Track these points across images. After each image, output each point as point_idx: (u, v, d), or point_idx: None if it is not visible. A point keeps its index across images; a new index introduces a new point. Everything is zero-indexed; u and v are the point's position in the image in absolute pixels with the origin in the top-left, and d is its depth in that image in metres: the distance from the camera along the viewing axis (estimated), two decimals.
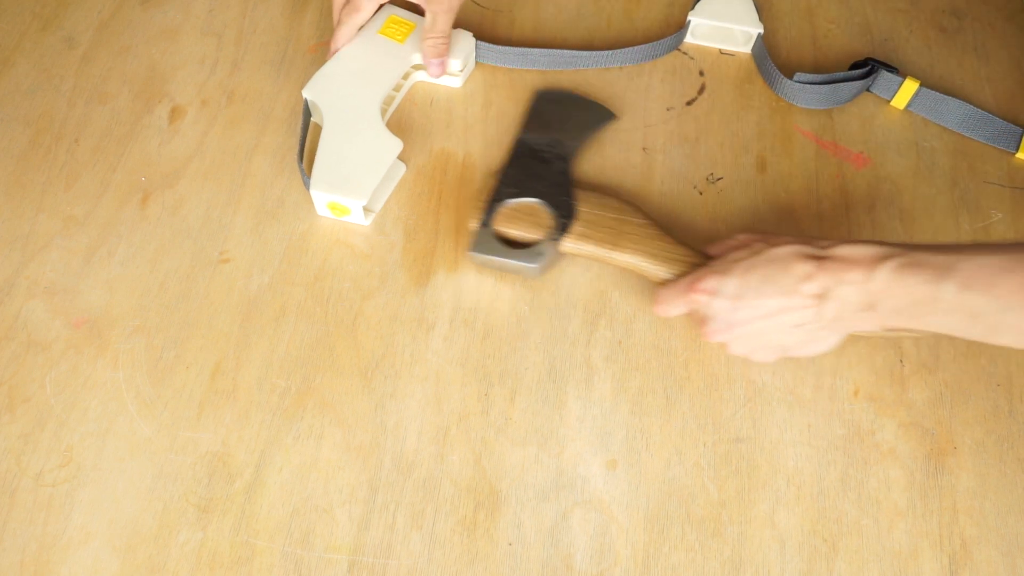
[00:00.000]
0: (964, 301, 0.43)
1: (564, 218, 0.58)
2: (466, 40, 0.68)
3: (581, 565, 0.50)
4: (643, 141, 0.67)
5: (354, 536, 0.50)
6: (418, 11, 0.67)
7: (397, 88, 0.67)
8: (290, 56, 0.70)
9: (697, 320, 0.54)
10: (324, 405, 0.54)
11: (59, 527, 0.49)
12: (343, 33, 0.66)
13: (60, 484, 0.51)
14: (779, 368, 0.56)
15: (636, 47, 0.70)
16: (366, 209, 0.60)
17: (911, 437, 0.54)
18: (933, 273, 0.44)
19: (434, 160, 0.65)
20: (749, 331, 0.51)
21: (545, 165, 0.62)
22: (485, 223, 0.59)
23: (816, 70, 0.71)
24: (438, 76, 0.67)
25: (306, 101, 0.64)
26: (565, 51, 0.69)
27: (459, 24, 0.70)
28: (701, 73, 0.71)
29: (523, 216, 0.59)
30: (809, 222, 0.63)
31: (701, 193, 0.64)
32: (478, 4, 0.74)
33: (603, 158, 0.66)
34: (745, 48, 0.72)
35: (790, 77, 0.68)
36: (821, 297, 0.48)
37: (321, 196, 0.59)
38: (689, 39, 0.73)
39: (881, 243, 0.47)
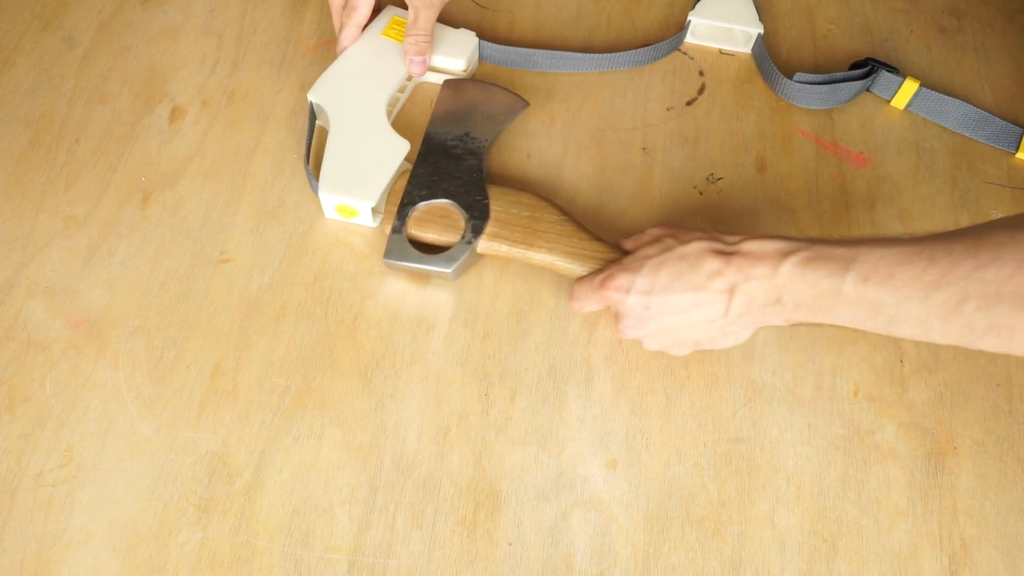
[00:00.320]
0: (864, 293, 0.44)
1: (477, 219, 0.58)
2: (469, 40, 0.68)
3: (581, 565, 0.50)
4: (643, 141, 0.67)
5: (354, 536, 0.50)
6: None
7: (402, 89, 0.67)
8: (290, 56, 0.70)
9: (613, 317, 0.55)
10: (324, 405, 0.54)
11: (59, 527, 0.49)
12: (346, 34, 0.66)
13: (60, 484, 0.51)
14: (779, 368, 0.56)
15: (637, 50, 0.70)
16: (374, 210, 0.60)
17: (911, 437, 0.54)
18: (835, 266, 0.45)
19: None
20: (661, 327, 0.51)
21: (456, 162, 0.60)
22: (397, 229, 0.58)
23: (816, 70, 0.71)
24: (420, 74, 0.67)
25: (311, 104, 0.64)
26: (567, 53, 0.69)
27: (459, 24, 0.70)
28: (701, 73, 0.71)
29: (436, 219, 0.58)
30: (809, 222, 0.63)
31: (701, 193, 0.64)
32: (478, 4, 0.74)
33: (603, 158, 0.66)
34: (745, 48, 0.72)
35: (790, 77, 0.68)
36: (730, 292, 0.48)
37: (330, 199, 0.59)
38: (689, 39, 0.73)
39: (787, 238, 0.48)
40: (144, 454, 0.52)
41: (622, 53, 0.69)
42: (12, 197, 0.61)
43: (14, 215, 0.61)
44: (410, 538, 0.50)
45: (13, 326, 0.56)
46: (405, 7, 0.68)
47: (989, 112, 0.68)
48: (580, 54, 0.69)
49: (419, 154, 0.61)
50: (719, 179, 0.65)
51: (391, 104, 0.65)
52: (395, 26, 0.68)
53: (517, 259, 0.58)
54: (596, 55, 0.69)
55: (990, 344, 0.42)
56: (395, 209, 0.59)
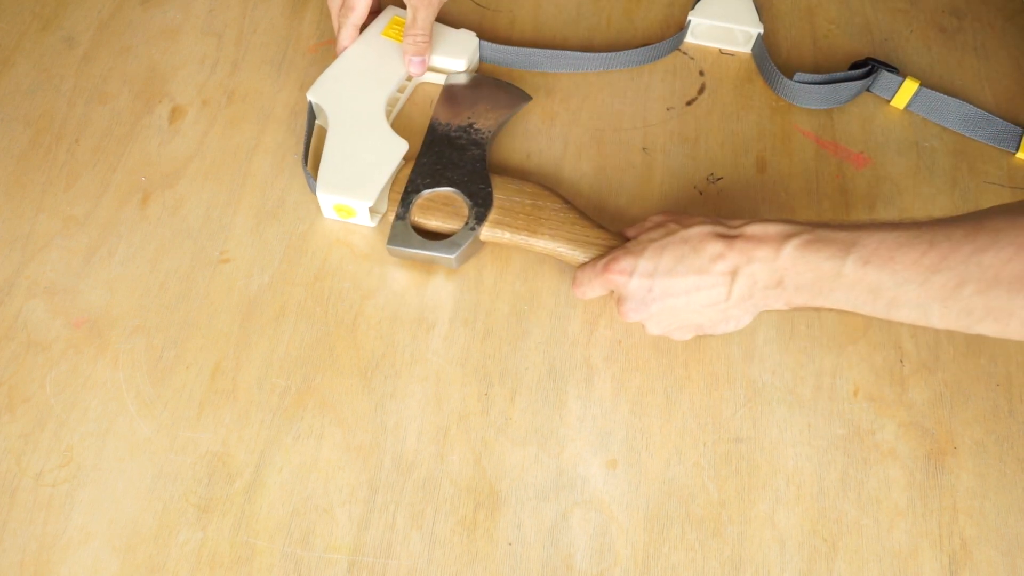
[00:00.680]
0: (864, 276, 0.44)
1: (480, 207, 0.58)
2: (469, 40, 0.68)
3: (581, 565, 0.50)
4: (643, 141, 0.67)
5: (354, 536, 0.50)
6: None
7: (401, 89, 0.67)
8: (290, 56, 0.70)
9: (615, 301, 0.55)
10: (324, 405, 0.54)
11: (59, 527, 0.49)
12: (344, 34, 0.66)
13: (60, 484, 0.51)
14: (779, 368, 0.56)
15: (637, 49, 0.70)
16: (372, 210, 0.60)
17: (911, 437, 0.54)
18: (836, 249, 0.45)
19: None
20: (663, 310, 0.52)
21: (460, 152, 0.61)
22: (401, 216, 0.58)
23: (816, 70, 0.71)
24: (420, 75, 0.67)
25: (310, 104, 0.64)
26: (568, 52, 0.69)
27: (458, 23, 0.70)
28: (701, 73, 0.71)
29: (439, 206, 0.59)
30: None
31: (701, 193, 0.64)
32: (478, 4, 0.74)
33: (603, 158, 0.66)
34: (745, 48, 0.72)
35: (790, 77, 0.68)
36: (732, 275, 0.49)
37: (328, 198, 0.59)
38: (689, 39, 0.73)
39: (789, 221, 0.48)
40: (144, 454, 0.52)
41: (622, 53, 0.69)
42: (12, 197, 0.61)
43: (14, 215, 0.61)
44: (410, 538, 0.50)
45: (13, 326, 0.56)
46: (405, 7, 0.68)
47: (989, 112, 0.68)
48: (580, 53, 0.69)
49: (423, 143, 0.62)
50: (719, 179, 0.65)
51: (391, 104, 0.65)
52: (395, 26, 0.68)
53: (520, 246, 0.58)
54: (596, 55, 0.69)
55: (987, 328, 0.42)
56: (399, 197, 0.59)
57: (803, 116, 0.69)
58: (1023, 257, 0.40)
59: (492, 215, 0.58)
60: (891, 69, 0.68)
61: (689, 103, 0.69)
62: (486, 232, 0.58)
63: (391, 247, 0.58)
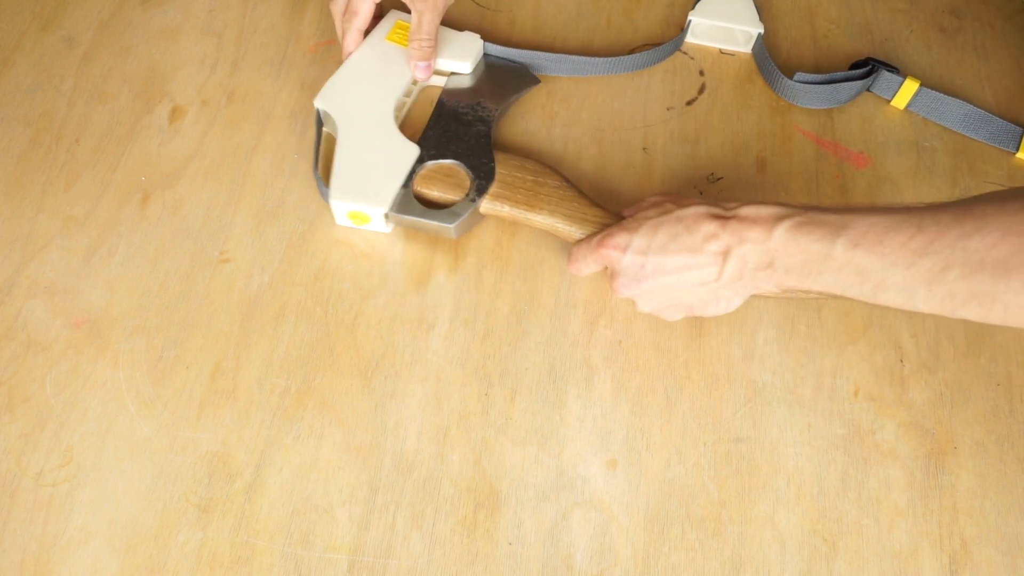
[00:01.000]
0: (853, 258, 0.45)
1: (482, 180, 0.59)
2: (474, 42, 0.68)
3: (581, 565, 0.50)
4: (643, 141, 0.67)
5: (354, 536, 0.50)
6: None
7: (407, 93, 0.67)
8: (290, 56, 0.70)
9: (608, 276, 0.55)
10: (324, 405, 0.54)
11: (59, 527, 0.49)
12: (349, 39, 0.66)
13: (60, 484, 0.51)
14: (779, 368, 0.56)
15: (639, 53, 0.69)
16: (387, 216, 0.59)
17: (911, 437, 0.54)
18: (826, 231, 0.46)
19: None
20: (655, 287, 0.52)
21: (466, 127, 0.63)
22: (405, 184, 0.59)
23: (816, 70, 0.71)
24: (426, 79, 0.66)
25: (318, 111, 0.64)
26: (571, 56, 0.69)
27: (458, 23, 0.70)
28: (701, 73, 0.71)
29: (442, 177, 0.60)
30: None
31: (701, 193, 0.64)
32: (478, 4, 0.74)
33: (603, 157, 0.66)
34: (745, 48, 0.72)
35: (790, 77, 0.68)
36: (724, 255, 0.49)
37: (342, 206, 0.59)
38: (689, 39, 0.73)
39: (783, 204, 0.49)
40: (144, 454, 0.52)
41: (625, 57, 0.69)
42: (12, 197, 0.61)
43: (14, 215, 0.61)
44: (410, 538, 0.50)
45: (13, 326, 0.56)
46: (408, 11, 0.68)
47: (989, 112, 0.68)
48: (584, 58, 0.69)
49: (430, 117, 0.64)
50: (719, 179, 0.65)
51: (398, 108, 0.65)
52: (399, 30, 0.68)
53: (519, 221, 0.59)
54: (599, 59, 0.69)
55: (971, 312, 0.42)
56: None
57: (803, 116, 0.69)
58: (1008, 242, 0.40)
59: (493, 188, 0.59)
60: (891, 69, 0.68)
61: (689, 103, 0.69)
62: (486, 205, 0.59)
63: (392, 213, 0.58)
